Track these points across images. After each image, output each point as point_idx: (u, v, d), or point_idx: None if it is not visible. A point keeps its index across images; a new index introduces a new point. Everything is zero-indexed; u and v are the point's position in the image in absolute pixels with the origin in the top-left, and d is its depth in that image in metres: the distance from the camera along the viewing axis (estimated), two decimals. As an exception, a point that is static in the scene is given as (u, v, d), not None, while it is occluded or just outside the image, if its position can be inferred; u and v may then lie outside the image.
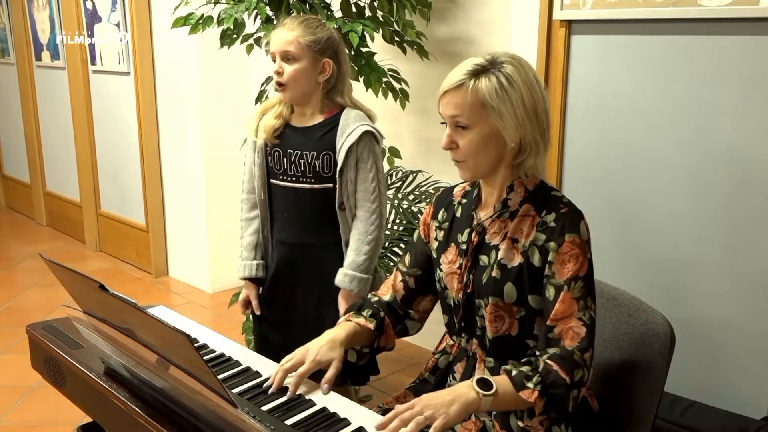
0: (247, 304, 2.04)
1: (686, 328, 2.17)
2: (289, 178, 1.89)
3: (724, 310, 2.17)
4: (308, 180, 1.87)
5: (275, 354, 1.97)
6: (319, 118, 1.88)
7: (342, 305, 1.88)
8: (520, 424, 1.35)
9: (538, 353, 1.34)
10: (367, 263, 1.86)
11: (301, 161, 1.86)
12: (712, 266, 2.18)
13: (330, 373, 1.40)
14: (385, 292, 1.60)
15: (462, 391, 1.25)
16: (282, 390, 1.38)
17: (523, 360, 1.35)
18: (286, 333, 1.98)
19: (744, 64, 2.03)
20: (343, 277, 1.87)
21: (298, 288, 1.96)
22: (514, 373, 1.29)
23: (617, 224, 2.36)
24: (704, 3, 2.05)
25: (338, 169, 1.83)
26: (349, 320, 1.53)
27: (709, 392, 2.21)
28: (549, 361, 1.30)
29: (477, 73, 1.34)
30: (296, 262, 1.95)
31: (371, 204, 1.85)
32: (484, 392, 1.24)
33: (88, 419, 1.66)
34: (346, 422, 1.27)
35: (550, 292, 1.34)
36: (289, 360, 1.41)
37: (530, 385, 1.27)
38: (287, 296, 1.99)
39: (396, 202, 2.64)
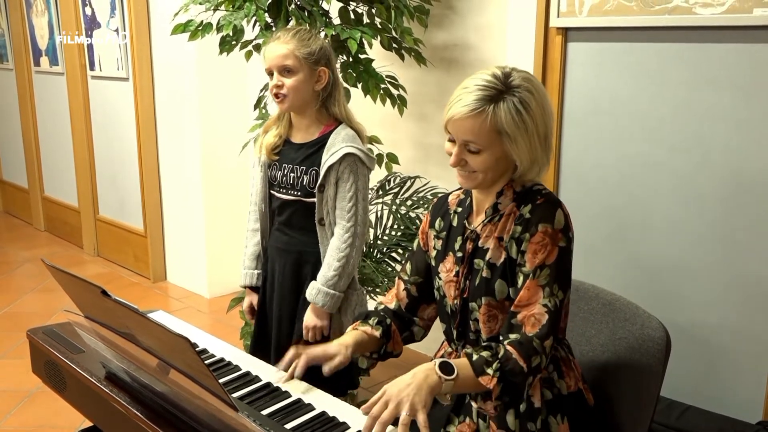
0: (252, 310, 2.12)
1: (682, 332, 2.19)
2: (281, 189, 1.95)
3: (719, 315, 2.19)
4: (296, 192, 1.92)
5: (263, 353, 2.00)
6: (315, 134, 1.93)
7: (308, 319, 1.92)
8: (474, 404, 1.36)
9: (501, 338, 1.36)
10: (336, 279, 1.88)
11: (292, 175, 1.93)
12: (708, 271, 2.19)
13: (335, 362, 1.43)
14: (390, 301, 1.63)
15: (424, 375, 1.26)
16: (283, 394, 1.40)
17: (484, 344, 1.37)
18: (270, 332, 2.04)
19: (738, 72, 2.05)
20: (311, 290, 1.91)
21: (279, 291, 2.01)
22: (474, 357, 1.31)
23: (613, 229, 2.38)
24: (699, 11, 2.07)
25: (318, 185, 1.88)
26: (356, 329, 1.56)
27: (704, 396, 2.22)
28: (508, 347, 1.31)
29: (493, 98, 1.32)
30: (284, 266, 1.99)
31: (346, 222, 1.88)
32: (446, 377, 1.26)
33: (88, 423, 1.66)
34: (345, 426, 1.29)
35: (520, 280, 1.36)
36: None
37: (489, 371, 1.29)
38: (268, 299, 2.05)
39: (394, 207, 2.65)
